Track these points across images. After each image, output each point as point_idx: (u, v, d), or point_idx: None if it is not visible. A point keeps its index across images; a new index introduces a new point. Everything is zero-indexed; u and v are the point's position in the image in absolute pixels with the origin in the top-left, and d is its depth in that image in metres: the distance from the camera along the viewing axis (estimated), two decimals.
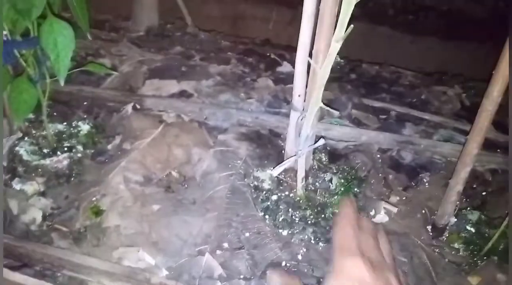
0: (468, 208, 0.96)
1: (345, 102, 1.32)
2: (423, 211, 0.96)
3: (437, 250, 0.88)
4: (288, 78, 1.44)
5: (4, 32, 0.91)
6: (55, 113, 1.18)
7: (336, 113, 1.18)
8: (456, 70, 1.89)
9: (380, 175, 1.04)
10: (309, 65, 0.86)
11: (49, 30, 0.83)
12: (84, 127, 1.13)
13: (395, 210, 0.93)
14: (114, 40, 1.67)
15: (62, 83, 0.87)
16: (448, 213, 0.89)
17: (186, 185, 1.00)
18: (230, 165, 1.03)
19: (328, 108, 0.87)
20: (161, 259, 0.82)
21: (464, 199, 0.99)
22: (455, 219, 0.92)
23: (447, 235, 0.91)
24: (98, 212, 0.90)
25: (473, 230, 0.92)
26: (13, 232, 0.88)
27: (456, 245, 0.90)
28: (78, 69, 1.01)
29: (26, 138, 1.07)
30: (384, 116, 1.30)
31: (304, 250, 0.85)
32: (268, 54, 1.69)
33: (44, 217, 0.91)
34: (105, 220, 0.88)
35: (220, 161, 1.04)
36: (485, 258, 0.87)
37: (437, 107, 1.38)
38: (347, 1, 0.70)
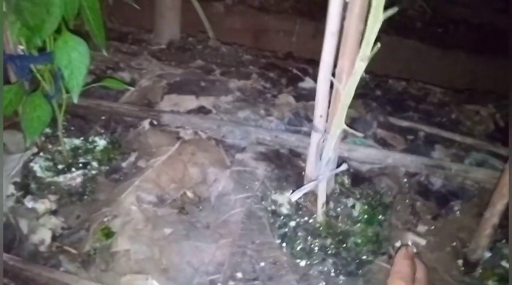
0: (503, 241, 0.88)
1: (369, 120, 1.26)
2: (454, 244, 0.88)
3: None
4: (311, 94, 1.39)
5: (21, 47, 0.90)
6: (72, 127, 1.17)
7: (360, 134, 1.12)
8: (488, 87, 1.80)
9: (407, 201, 0.98)
10: (331, 84, 0.81)
11: (63, 46, 0.81)
12: (101, 143, 1.11)
13: (423, 242, 0.86)
14: (135, 53, 1.66)
15: (75, 100, 0.84)
16: (482, 247, 0.82)
17: (200, 207, 0.96)
18: (247, 187, 0.99)
19: (351, 131, 0.82)
20: None
21: (499, 230, 0.91)
22: (489, 254, 0.85)
23: (480, 271, 0.84)
24: (108, 234, 0.87)
25: (508, 266, 0.84)
26: (22, 253, 0.85)
27: (490, 283, 0.83)
28: (94, 85, 0.99)
29: (41, 154, 1.05)
30: (411, 137, 1.24)
31: (323, 283, 0.79)
32: (290, 69, 1.65)
33: (54, 238, 0.88)
34: (114, 244, 0.84)
35: (236, 182, 1.00)
36: None
37: (469, 128, 1.30)
38: (373, 19, 0.65)
